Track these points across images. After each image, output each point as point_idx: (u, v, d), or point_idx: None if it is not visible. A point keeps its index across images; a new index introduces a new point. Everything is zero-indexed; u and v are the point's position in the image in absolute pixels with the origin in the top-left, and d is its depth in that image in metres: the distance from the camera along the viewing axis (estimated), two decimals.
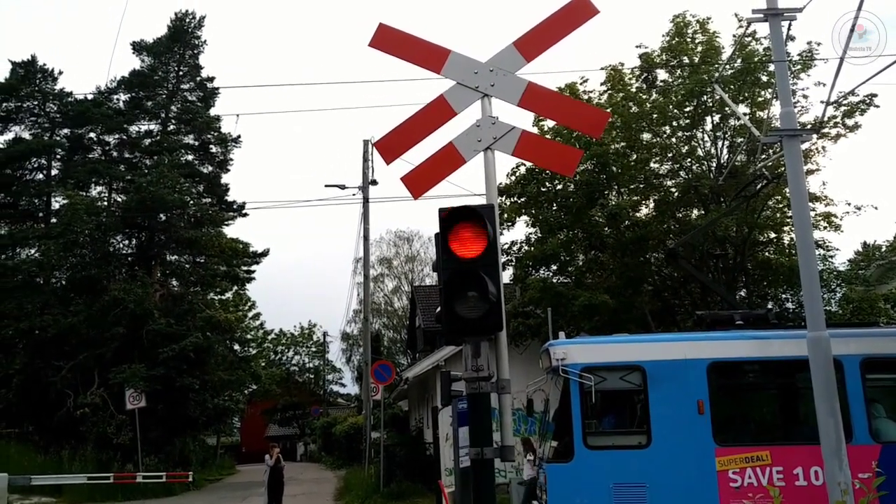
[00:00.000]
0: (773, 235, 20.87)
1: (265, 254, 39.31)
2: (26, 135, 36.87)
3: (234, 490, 28.04)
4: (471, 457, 4.52)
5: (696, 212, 21.52)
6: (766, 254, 21.19)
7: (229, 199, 38.41)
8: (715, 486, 10.47)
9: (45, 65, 37.10)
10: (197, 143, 38.12)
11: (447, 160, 5.52)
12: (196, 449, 34.52)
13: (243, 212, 38.02)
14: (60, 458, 26.95)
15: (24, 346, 32.10)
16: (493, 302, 4.61)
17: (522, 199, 21.36)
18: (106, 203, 35.85)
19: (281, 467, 17.47)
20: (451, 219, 4.89)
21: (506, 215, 20.89)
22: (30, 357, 31.05)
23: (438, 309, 5.19)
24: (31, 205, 37.85)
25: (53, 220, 35.54)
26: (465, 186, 28.60)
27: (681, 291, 22.29)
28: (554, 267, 21.70)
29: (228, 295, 39.63)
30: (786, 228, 20.10)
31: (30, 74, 36.63)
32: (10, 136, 36.97)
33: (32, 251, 35.10)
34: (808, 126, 16.89)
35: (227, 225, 37.17)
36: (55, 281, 34.79)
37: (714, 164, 20.84)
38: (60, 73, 37.40)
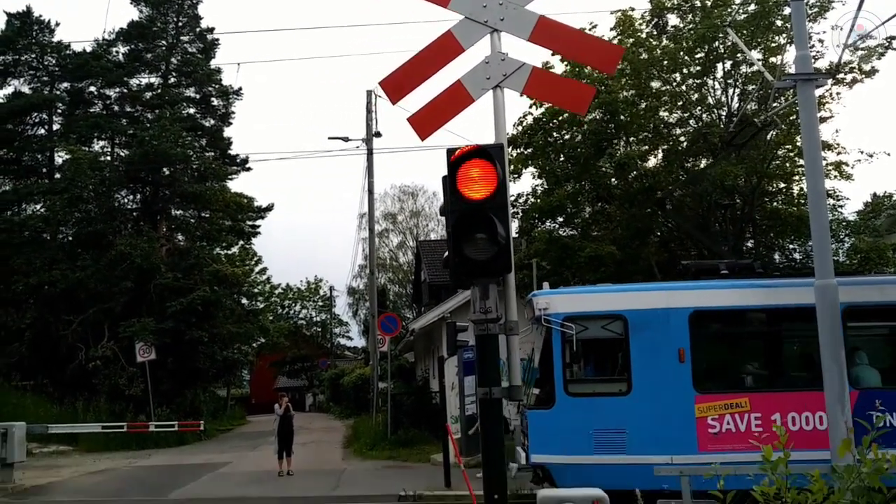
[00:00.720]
0: (782, 185, 20.67)
1: (269, 208, 39.24)
2: (26, 89, 36.52)
3: (246, 439, 28.45)
4: (479, 397, 4.50)
5: (704, 161, 21.32)
6: (775, 204, 21.02)
7: (232, 152, 38.26)
8: (693, 432, 10.68)
9: (41, 16, 36.54)
10: (198, 97, 37.76)
11: (455, 99, 5.36)
12: (207, 400, 34.92)
13: (246, 166, 37.89)
14: (75, 408, 27.41)
15: (35, 301, 32.33)
16: (501, 244, 4.53)
17: (529, 150, 21.15)
18: (109, 158, 35.69)
19: (290, 416, 17.65)
20: (460, 159, 4.79)
21: (512, 167, 20.71)
22: (40, 312, 31.31)
23: (446, 254, 5.12)
24: (35, 160, 37.71)
25: (57, 176, 35.44)
26: (470, 137, 28.35)
27: (687, 243, 22.21)
28: (560, 219, 21.61)
29: (234, 250, 39.64)
30: (795, 178, 19.90)
31: (26, 26, 36.06)
32: (9, 90, 36.63)
33: (38, 207, 35.08)
34: (824, 71, 16.55)
35: (230, 179, 37.03)
36: (62, 236, 34.87)
37: (724, 113, 20.55)
38: (57, 24, 36.86)
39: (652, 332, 11.07)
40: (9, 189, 36.69)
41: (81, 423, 25.17)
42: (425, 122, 5.41)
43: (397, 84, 5.48)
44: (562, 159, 21.29)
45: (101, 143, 36.64)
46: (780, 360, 12.41)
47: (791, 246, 22.22)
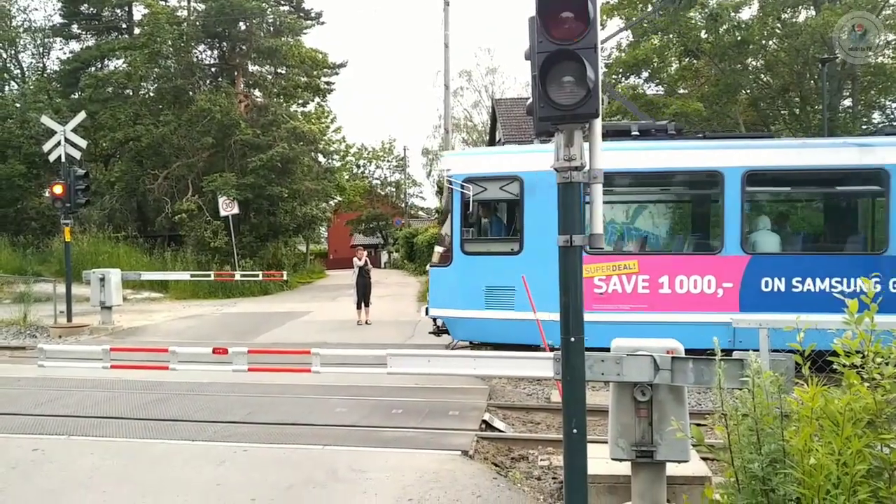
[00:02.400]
0: (891, 37, 19.16)
1: (344, 65, 38.92)
2: None
3: (325, 291, 29.64)
4: (559, 244, 4.48)
5: (804, 13, 19.88)
6: (881, 58, 19.59)
7: (306, 6, 37.60)
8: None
9: None
10: None
11: None
12: (287, 254, 36.22)
13: (320, 20, 37.30)
14: (164, 259, 28.91)
15: (122, 156, 33.55)
16: (590, 87, 4.35)
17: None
18: (186, 13, 35.61)
19: (368, 269, 18.18)
20: None
21: None
22: (128, 165, 32.53)
23: (529, 100, 4.97)
24: (115, 15, 37.95)
25: (137, 31, 35.69)
26: None
27: (778, 101, 21.14)
28: (645, 74, 20.75)
29: (310, 107, 39.76)
30: None
31: None
32: None
33: (119, 62, 35.60)
34: None
35: (304, 34, 36.60)
36: (143, 92, 35.53)
37: None
38: None
39: (546, 193, 10.61)
40: (91, 45, 37.26)
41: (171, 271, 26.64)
42: None
43: None
44: (650, 8, 20.16)
45: None
46: (668, 224, 12.65)
47: (894, 104, 20.93)
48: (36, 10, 50.95)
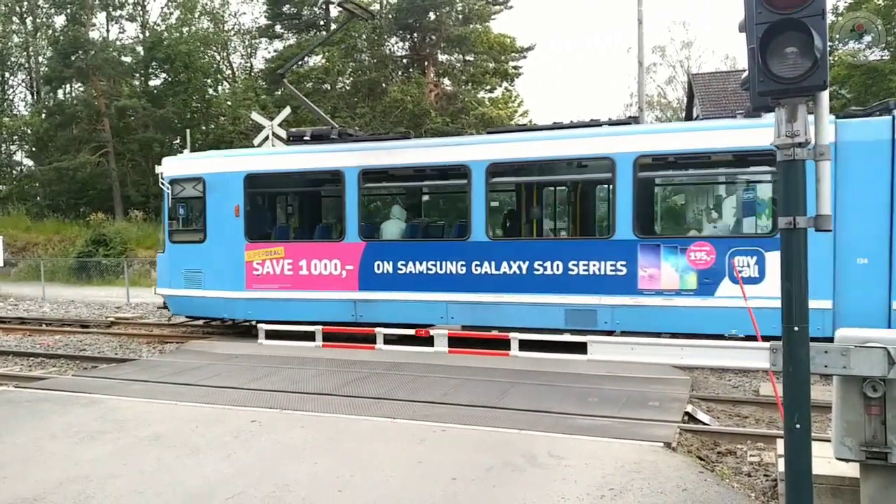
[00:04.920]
0: None
1: (531, 48, 38.77)
2: None
3: None
4: (781, 226, 4.16)
5: None
6: None
7: None
8: (243, 273, 13.49)
9: None
10: None
11: None
12: None
13: (508, 4, 37.37)
14: None
15: None
16: (817, 57, 3.98)
17: None
18: (379, 6, 37.03)
19: None
20: None
21: None
22: None
23: (745, 73, 4.65)
24: (313, 14, 40.25)
25: (333, 27, 37.64)
26: None
27: None
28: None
29: (498, 92, 40.06)
30: None
31: None
32: None
33: (318, 58, 37.73)
34: None
35: (493, 20, 36.90)
36: (340, 86, 37.44)
37: None
38: None
39: (221, 191, 13.72)
40: (293, 43, 39.79)
41: None
42: None
43: None
44: None
45: None
46: (309, 216, 15.04)
47: None
48: (244, 14, 55.64)
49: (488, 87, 38.22)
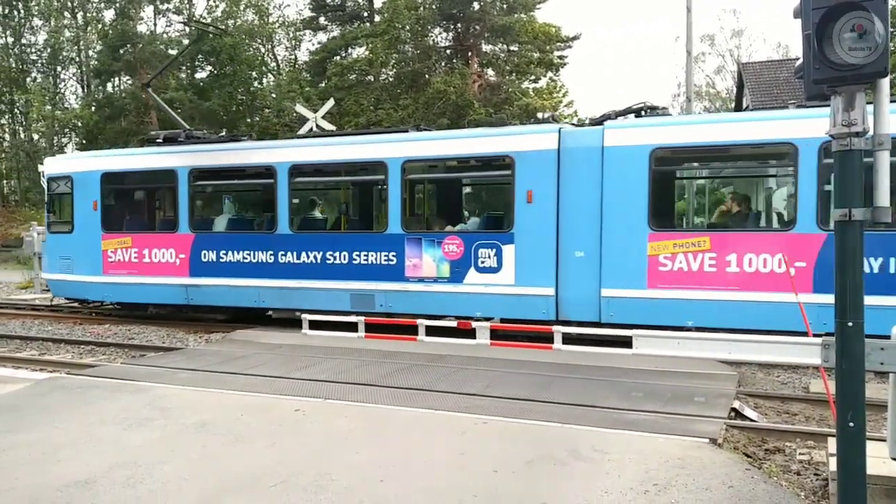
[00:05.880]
0: None
1: (577, 37, 38.39)
2: None
3: None
4: (835, 219, 4.03)
5: None
6: None
7: None
8: (101, 260, 15.25)
9: None
10: None
11: None
12: None
13: None
14: None
15: None
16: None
17: None
18: None
19: None
20: None
21: None
22: None
23: (799, 61, 4.51)
24: (357, 5, 40.39)
25: (377, 19, 37.73)
26: None
27: None
28: None
29: (542, 83, 39.77)
30: None
31: None
32: None
33: (361, 50, 37.87)
34: None
35: (537, 9, 36.60)
36: (384, 78, 37.53)
37: None
38: None
39: (83, 188, 15.50)
40: (337, 35, 40.00)
41: None
42: None
43: None
44: None
45: None
46: (152, 210, 16.73)
47: None
48: (288, 6, 56.03)
49: (533, 78, 37.93)
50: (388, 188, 12.96)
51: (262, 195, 15.59)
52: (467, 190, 16.14)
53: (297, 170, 13.80)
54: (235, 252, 14.21)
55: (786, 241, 10.39)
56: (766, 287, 10.41)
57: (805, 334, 7.05)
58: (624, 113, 12.08)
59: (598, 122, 12.19)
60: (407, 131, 13.79)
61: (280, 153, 13.98)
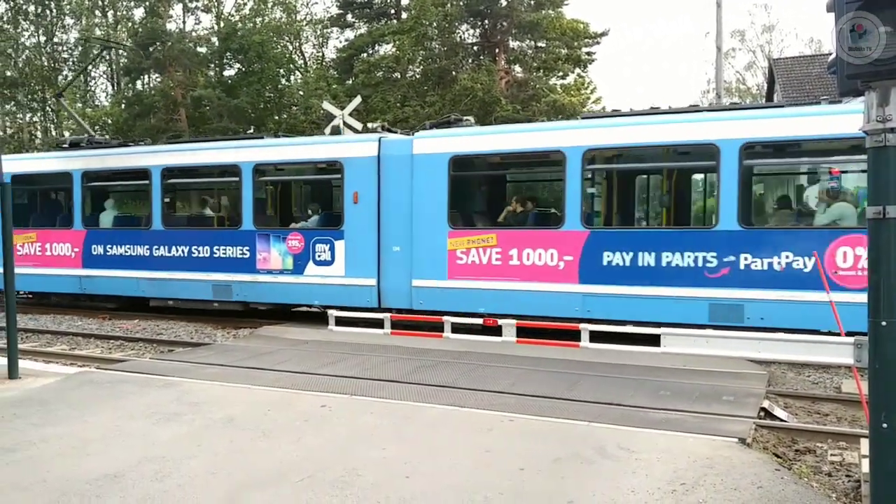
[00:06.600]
0: None
1: (605, 34, 38.05)
2: None
3: None
4: (869, 216, 3.96)
5: None
6: None
7: None
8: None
9: None
10: None
11: None
12: None
13: None
14: None
15: None
16: None
17: None
18: None
19: None
20: None
21: None
22: None
23: (832, 55, 4.43)
24: (384, 2, 40.41)
25: (404, 15, 37.72)
26: None
27: None
28: None
29: (570, 79, 39.48)
30: None
31: None
32: None
33: (388, 47, 37.89)
34: None
35: (565, 5, 36.36)
36: (410, 75, 37.50)
37: None
38: None
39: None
40: (364, 32, 40.07)
41: None
42: None
43: None
44: None
45: None
46: (54, 209, 17.85)
47: None
48: (316, 3, 56.34)
49: (560, 74, 37.65)
50: (242, 189, 14.43)
51: (141, 195, 17.25)
52: (308, 190, 17.68)
53: (168, 172, 15.43)
54: (118, 246, 15.82)
55: (557, 238, 11.63)
56: (543, 278, 11.64)
57: (838, 334, 6.95)
58: (438, 124, 13.68)
59: (431, 129, 13.60)
60: (263, 137, 15.42)
61: (154, 157, 15.61)
